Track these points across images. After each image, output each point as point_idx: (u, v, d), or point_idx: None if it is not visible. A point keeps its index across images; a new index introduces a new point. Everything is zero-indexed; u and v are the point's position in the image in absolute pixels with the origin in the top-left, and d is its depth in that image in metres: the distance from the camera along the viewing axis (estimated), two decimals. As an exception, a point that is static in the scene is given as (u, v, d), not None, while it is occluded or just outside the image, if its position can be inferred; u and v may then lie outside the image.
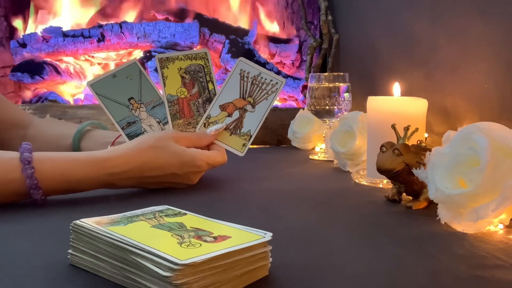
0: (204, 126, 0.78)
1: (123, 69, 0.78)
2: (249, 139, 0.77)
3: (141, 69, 0.79)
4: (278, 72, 1.71)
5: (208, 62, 0.79)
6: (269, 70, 1.67)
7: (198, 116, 0.79)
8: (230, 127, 0.78)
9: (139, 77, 0.78)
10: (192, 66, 0.78)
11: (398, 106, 0.76)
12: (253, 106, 0.78)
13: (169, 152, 0.70)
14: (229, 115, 0.78)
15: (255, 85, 0.78)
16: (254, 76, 0.78)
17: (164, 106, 0.78)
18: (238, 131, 0.77)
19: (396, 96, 0.80)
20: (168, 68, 0.78)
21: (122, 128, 0.78)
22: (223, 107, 0.78)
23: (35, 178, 0.61)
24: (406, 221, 0.59)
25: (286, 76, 1.71)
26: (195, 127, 0.78)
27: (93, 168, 0.65)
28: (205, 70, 0.79)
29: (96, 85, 0.77)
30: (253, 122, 0.77)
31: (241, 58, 0.79)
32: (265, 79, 0.78)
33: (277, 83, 0.78)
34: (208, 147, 0.77)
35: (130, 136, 0.78)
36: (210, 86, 0.79)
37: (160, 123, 0.79)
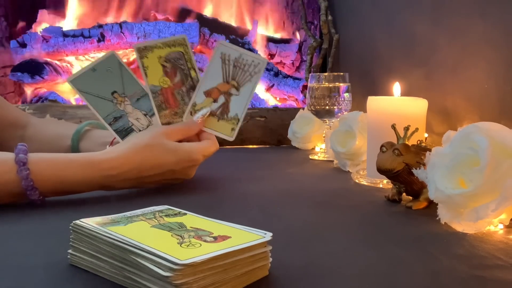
0: (191, 114, 0.77)
1: (101, 62, 0.76)
2: (237, 123, 0.77)
3: (120, 61, 0.76)
4: (278, 72, 1.71)
5: (188, 49, 0.77)
6: (269, 69, 1.68)
7: (184, 105, 0.78)
8: (217, 113, 0.77)
9: (119, 69, 0.76)
10: (172, 54, 0.77)
11: (398, 106, 0.76)
12: (238, 89, 0.77)
13: (165, 150, 0.70)
14: (215, 100, 0.77)
15: (238, 68, 0.77)
16: (235, 58, 0.77)
17: (149, 98, 0.77)
18: (225, 116, 0.77)
19: (396, 96, 0.80)
20: (148, 58, 0.76)
21: (110, 124, 0.76)
22: (207, 93, 0.77)
23: (30, 180, 0.61)
24: (406, 221, 0.59)
25: (286, 76, 1.71)
26: (182, 117, 0.78)
27: (89, 170, 0.65)
28: (185, 57, 0.77)
29: (76, 81, 0.75)
30: (239, 105, 0.77)
31: (221, 41, 0.79)
32: (247, 60, 0.77)
33: (259, 63, 0.77)
34: (198, 136, 0.77)
35: (119, 132, 0.77)
36: (193, 73, 0.78)
37: (147, 116, 0.78)
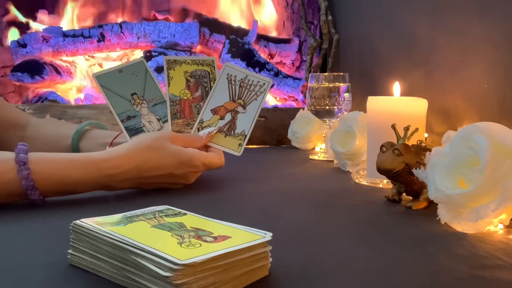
0: (198, 131, 0.79)
1: (129, 66, 0.80)
2: (244, 139, 0.79)
3: (148, 68, 0.80)
4: (278, 72, 1.71)
5: (214, 70, 0.81)
6: (269, 70, 1.68)
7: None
8: (224, 129, 0.79)
9: (144, 75, 0.80)
10: (198, 71, 0.80)
11: (398, 106, 0.76)
12: (244, 108, 0.79)
13: (166, 152, 0.71)
14: (222, 118, 0.79)
15: (243, 88, 0.79)
16: (241, 79, 0.80)
17: (165, 105, 0.80)
18: (232, 132, 0.79)
19: (396, 96, 0.80)
20: (174, 70, 0.80)
21: (122, 121, 0.79)
22: (214, 111, 0.79)
23: (31, 179, 0.61)
24: (406, 221, 0.59)
25: (286, 76, 1.71)
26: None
27: (90, 170, 0.65)
28: (210, 76, 0.80)
29: (101, 77, 0.79)
30: (246, 122, 0.79)
31: (227, 63, 0.81)
32: (252, 80, 0.80)
33: (264, 83, 0.80)
34: (206, 150, 0.77)
35: (129, 130, 0.79)
36: None
37: (160, 121, 0.80)
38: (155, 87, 0.80)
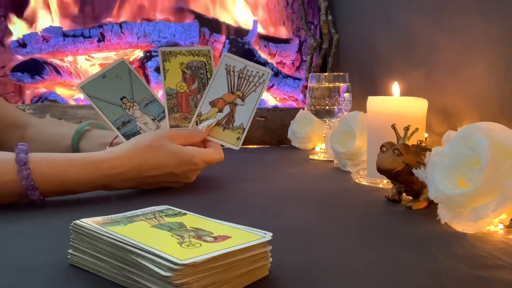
0: (196, 124, 0.78)
1: (111, 69, 0.78)
2: (243, 132, 0.78)
3: (130, 67, 0.79)
4: (278, 72, 1.71)
5: (211, 60, 0.79)
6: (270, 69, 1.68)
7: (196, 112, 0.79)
8: (222, 122, 0.78)
9: (129, 75, 0.79)
10: (194, 62, 0.79)
11: (398, 106, 0.76)
12: (243, 100, 0.78)
13: (166, 152, 0.71)
14: (220, 110, 0.78)
15: (242, 79, 0.78)
16: (240, 69, 0.78)
17: (158, 103, 0.79)
18: (231, 126, 0.78)
19: (396, 96, 0.80)
20: (170, 62, 0.78)
21: (118, 128, 0.78)
22: (213, 103, 0.78)
23: (31, 179, 0.61)
24: (406, 221, 0.59)
25: (286, 76, 1.71)
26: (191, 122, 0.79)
27: (90, 170, 0.65)
28: (207, 67, 0.79)
29: (86, 86, 0.77)
30: (244, 115, 0.78)
31: (225, 53, 0.80)
32: (251, 71, 0.78)
33: (263, 74, 0.78)
34: (204, 144, 0.77)
35: (127, 136, 0.78)
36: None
37: (155, 120, 0.79)
38: (142, 86, 0.79)
